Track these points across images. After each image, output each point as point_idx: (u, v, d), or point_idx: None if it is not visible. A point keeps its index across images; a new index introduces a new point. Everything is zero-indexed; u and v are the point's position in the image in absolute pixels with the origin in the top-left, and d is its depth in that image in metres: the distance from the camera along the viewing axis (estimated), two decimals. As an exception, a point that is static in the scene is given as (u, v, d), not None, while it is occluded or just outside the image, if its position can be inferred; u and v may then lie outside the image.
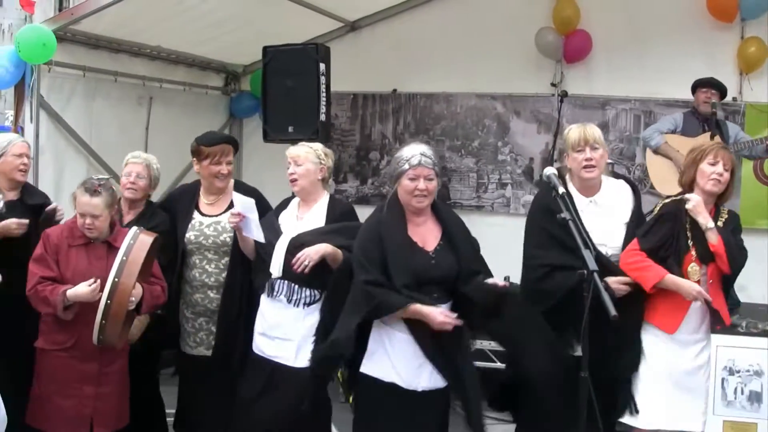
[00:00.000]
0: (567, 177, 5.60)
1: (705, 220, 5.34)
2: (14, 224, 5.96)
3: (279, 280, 5.76)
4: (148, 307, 5.69)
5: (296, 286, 5.71)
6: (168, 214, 6.36)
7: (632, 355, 5.51)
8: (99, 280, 5.34)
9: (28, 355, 5.67)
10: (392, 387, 5.15)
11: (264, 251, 5.86)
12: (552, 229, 5.41)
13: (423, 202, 5.16)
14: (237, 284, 6.13)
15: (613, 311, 4.52)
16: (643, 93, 9.28)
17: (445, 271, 5.11)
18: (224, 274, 6.16)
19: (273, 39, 8.43)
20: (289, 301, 5.72)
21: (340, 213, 5.89)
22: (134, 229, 5.54)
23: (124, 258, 5.31)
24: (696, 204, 5.34)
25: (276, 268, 5.73)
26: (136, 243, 5.40)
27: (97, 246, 5.60)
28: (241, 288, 6.14)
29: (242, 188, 6.36)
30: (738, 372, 6.62)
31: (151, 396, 6.44)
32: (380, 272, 5.08)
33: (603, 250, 5.37)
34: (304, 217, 5.90)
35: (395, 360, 5.17)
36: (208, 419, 6.26)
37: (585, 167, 5.42)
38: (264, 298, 5.88)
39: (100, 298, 5.27)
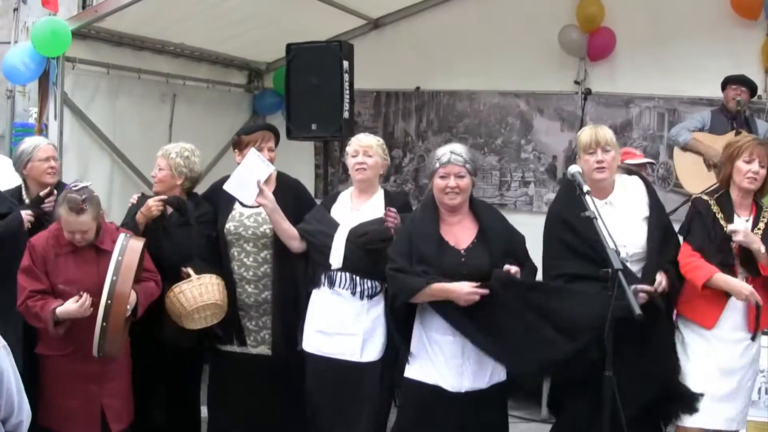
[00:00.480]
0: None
1: (758, 245, 5.29)
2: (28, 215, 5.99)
3: (339, 272, 5.75)
4: (144, 308, 5.65)
5: (358, 278, 5.72)
6: (211, 207, 6.35)
7: (672, 358, 5.51)
8: (87, 295, 5.33)
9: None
10: (436, 389, 5.21)
11: (319, 242, 5.84)
12: (568, 238, 5.43)
13: (455, 199, 5.21)
14: (286, 277, 6.14)
15: (637, 310, 4.50)
16: (667, 91, 9.20)
17: (473, 269, 5.13)
18: (263, 268, 6.16)
19: (296, 36, 8.42)
20: (353, 293, 5.72)
21: (398, 204, 5.88)
22: (121, 239, 5.50)
23: (114, 278, 5.29)
24: (743, 235, 5.28)
25: (336, 259, 5.72)
26: (125, 255, 5.38)
27: (85, 251, 5.58)
28: (289, 280, 6.14)
29: (284, 180, 6.37)
30: (762, 371, 6.57)
31: (193, 395, 6.47)
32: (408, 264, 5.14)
33: (624, 251, 5.30)
34: (361, 208, 5.88)
35: (437, 362, 5.20)
36: (244, 419, 6.27)
37: (596, 169, 5.39)
38: (319, 294, 5.85)
39: (95, 302, 5.28)
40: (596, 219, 4.81)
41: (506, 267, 5.09)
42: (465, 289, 5.00)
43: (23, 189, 6.33)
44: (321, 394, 5.84)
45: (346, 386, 5.73)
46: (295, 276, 6.09)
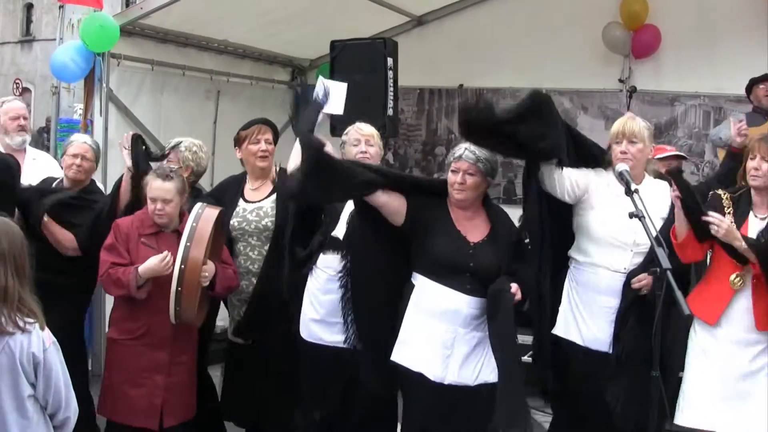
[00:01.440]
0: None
1: (739, 242, 5.13)
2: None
3: (337, 253, 5.72)
4: (222, 287, 5.70)
5: None
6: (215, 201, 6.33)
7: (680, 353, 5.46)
8: (169, 254, 5.39)
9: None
10: (419, 377, 5.18)
11: (332, 207, 5.83)
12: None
13: (461, 194, 5.23)
14: (275, 269, 6.07)
15: (687, 310, 4.45)
16: (712, 89, 9.14)
17: (479, 264, 5.14)
18: None
19: (339, 33, 8.43)
20: None
21: None
22: (197, 207, 5.55)
23: (188, 244, 5.33)
24: (725, 231, 5.13)
25: (342, 232, 5.73)
26: (199, 223, 5.41)
27: (167, 235, 5.65)
28: (278, 272, 6.08)
29: (282, 173, 6.37)
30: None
31: (206, 384, 6.49)
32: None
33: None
34: None
35: (425, 349, 5.20)
36: (254, 407, 6.30)
37: (620, 159, 5.36)
38: (315, 280, 5.79)
39: (172, 273, 5.32)
40: (644, 218, 4.77)
41: (514, 289, 5.08)
42: None
43: (65, 182, 6.38)
44: (322, 383, 5.83)
45: (351, 374, 5.66)
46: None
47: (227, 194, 6.34)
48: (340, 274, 5.61)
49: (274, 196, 6.20)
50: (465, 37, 9.98)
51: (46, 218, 6.04)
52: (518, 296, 5.05)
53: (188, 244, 5.34)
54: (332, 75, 8.17)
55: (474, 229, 5.29)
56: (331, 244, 5.72)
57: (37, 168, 6.66)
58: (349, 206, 5.66)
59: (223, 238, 5.83)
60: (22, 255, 4.00)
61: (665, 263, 4.57)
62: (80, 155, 6.29)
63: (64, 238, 6.11)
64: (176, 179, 5.63)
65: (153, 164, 6.03)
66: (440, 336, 5.19)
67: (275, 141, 6.39)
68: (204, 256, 5.40)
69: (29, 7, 42.08)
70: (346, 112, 7.93)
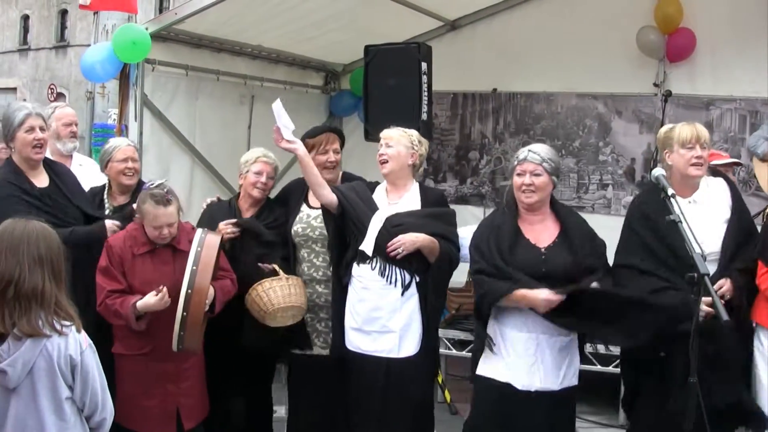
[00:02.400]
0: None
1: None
2: (114, 226, 5.98)
3: (370, 261, 5.75)
4: (221, 305, 5.68)
5: (388, 266, 5.71)
6: (284, 208, 6.37)
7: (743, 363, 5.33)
8: (165, 288, 5.36)
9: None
10: (506, 387, 5.20)
11: (354, 215, 5.84)
12: (648, 238, 5.34)
13: (530, 197, 5.23)
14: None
15: (725, 316, 4.40)
16: (748, 92, 9.03)
17: (553, 267, 5.13)
18: (332, 268, 6.11)
19: (373, 38, 8.44)
20: (381, 274, 5.71)
21: (434, 199, 5.91)
22: (199, 232, 5.55)
23: (194, 268, 5.32)
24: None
25: (368, 245, 5.73)
26: (204, 248, 5.40)
27: (162, 251, 5.63)
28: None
29: (348, 177, 6.39)
30: None
31: (264, 397, 6.51)
32: (492, 264, 5.17)
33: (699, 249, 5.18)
34: (398, 202, 5.87)
35: (509, 360, 5.20)
36: (317, 420, 6.28)
37: (694, 165, 5.28)
38: (353, 290, 5.84)
39: (171, 305, 5.32)
40: (681, 223, 4.73)
41: (593, 284, 5.07)
42: (541, 296, 4.99)
43: (106, 189, 6.39)
44: (361, 392, 5.87)
45: (386, 383, 5.73)
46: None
47: (292, 198, 6.35)
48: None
49: None
50: (498, 41, 9.94)
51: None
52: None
53: (194, 268, 5.33)
54: (366, 79, 8.19)
55: (544, 233, 5.30)
56: (361, 256, 5.76)
57: (83, 174, 6.69)
58: (379, 217, 5.72)
59: (219, 260, 5.73)
60: (60, 259, 4.04)
61: (703, 269, 4.53)
62: (129, 158, 6.31)
63: None
64: (174, 200, 5.59)
65: (144, 185, 5.96)
66: (522, 344, 5.21)
67: (342, 147, 6.40)
68: (206, 294, 5.38)
69: (64, 13, 42.45)
70: (381, 117, 7.98)
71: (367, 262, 5.76)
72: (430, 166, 10.39)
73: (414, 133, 6.00)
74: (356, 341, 5.83)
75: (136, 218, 5.67)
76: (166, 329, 5.34)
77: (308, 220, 6.19)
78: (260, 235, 6.13)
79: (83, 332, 4.02)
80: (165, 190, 5.60)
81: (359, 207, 5.84)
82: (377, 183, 6.10)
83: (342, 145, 6.43)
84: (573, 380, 5.30)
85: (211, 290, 5.47)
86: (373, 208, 5.81)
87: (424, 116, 7.85)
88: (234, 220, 6.15)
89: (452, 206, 6.28)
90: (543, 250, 5.23)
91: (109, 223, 5.94)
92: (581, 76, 9.61)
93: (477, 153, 10.24)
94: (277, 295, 5.81)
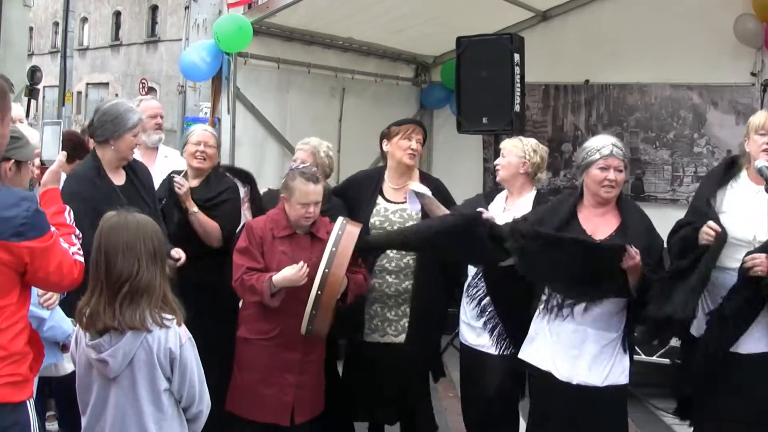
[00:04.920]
0: (743, 164, 5.29)
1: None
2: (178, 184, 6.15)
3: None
4: (354, 297, 5.72)
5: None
6: (341, 200, 6.36)
7: None
8: (305, 264, 5.40)
9: (223, 342, 5.82)
10: (547, 376, 5.15)
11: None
12: (695, 198, 5.40)
13: (611, 192, 5.13)
14: (429, 269, 6.13)
15: None
16: None
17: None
18: (405, 260, 6.16)
19: (463, 30, 8.39)
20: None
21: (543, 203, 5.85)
22: (341, 219, 5.59)
23: (334, 249, 5.37)
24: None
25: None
26: (344, 234, 5.45)
27: (301, 237, 5.66)
28: (431, 273, 6.15)
29: (425, 176, 6.41)
30: None
31: (335, 382, 6.50)
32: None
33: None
34: (511, 208, 5.86)
35: (554, 349, 5.16)
36: (373, 404, 6.31)
37: (765, 150, 5.07)
38: (472, 289, 5.89)
39: (307, 285, 5.35)
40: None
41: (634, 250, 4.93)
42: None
43: (183, 174, 6.41)
44: (465, 384, 6.01)
45: (484, 375, 5.81)
46: (439, 267, 6.13)
47: (362, 190, 6.36)
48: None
49: None
50: (590, 32, 9.81)
51: (195, 209, 6.18)
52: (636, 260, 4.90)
53: (334, 249, 5.37)
54: (458, 72, 8.15)
55: (603, 225, 5.17)
56: None
57: (170, 165, 6.76)
58: None
59: (356, 253, 5.71)
60: (165, 253, 4.11)
61: None
62: (203, 142, 6.35)
63: (213, 228, 6.22)
64: (321, 180, 5.67)
65: (291, 165, 6.03)
66: (569, 335, 5.14)
67: (424, 142, 6.41)
68: (342, 278, 5.42)
69: (154, 9, 43.12)
70: (473, 109, 7.94)
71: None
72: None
73: (529, 142, 5.99)
74: (466, 334, 5.95)
75: (282, 198, 5.71)
76: (296, 314, 5.40)
77: (386, 214, 6.22)
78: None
79: (183, 326, 4.06)
80: (313, 170, 5.70)
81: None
82: (498, 191, 6.15)
83: (424, 140, 6.43)
84: (621, 379, 5.13)
85: (345, 279, 5.51)
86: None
87: (517, 108, 7.80)
88: None
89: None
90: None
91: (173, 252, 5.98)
92: (675, 66, 9.43)
93: (570, 145, 10.12)
94: None
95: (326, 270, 5.32)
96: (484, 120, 7.92)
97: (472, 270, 5.87)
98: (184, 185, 6.21)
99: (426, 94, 10.85)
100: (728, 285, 5.09)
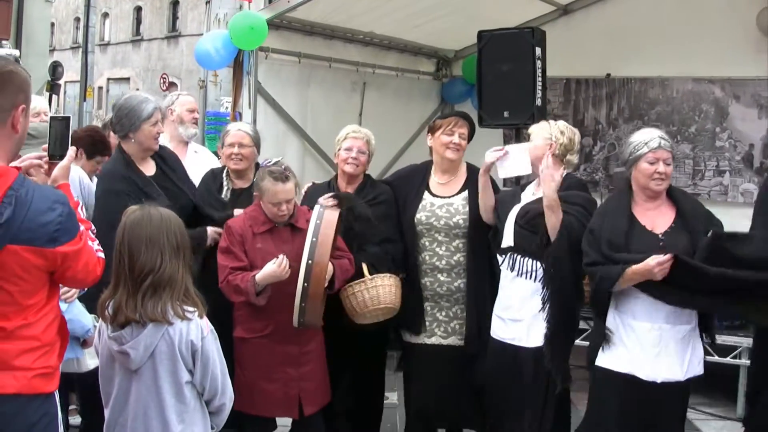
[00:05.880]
0: None
1: None
2: (216, 234, 6.08)
3: (509, 254, 5.74)
4: (340, 283, 5.71)
5: (518, 256, 5.67)
6: (389, 188, 6.36)
7: None
8: (284, 257, 5.40)
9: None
10: (630, 378, 5.13)
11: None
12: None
13: (661, 185, 5.16)
14: (480, 267, 6.10)
15: None
16: None
17: (673, 251, 4.99)
18: (456, 257, 6.12)
19: (484, 24, 8.36)
20: (519, 274, 5.67)
21: (568, 185, 5.78)
22: (317, 207, 5.59)
23: (314, 239, 5.37)
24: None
25: (507, 239, 5.74)
26: (323, 222, 5.44)
27: (281, 230, 5.67)
28: (483, 270, 6.10)
29: (474, 173, 6.27)
30: None
31: (378, 380, 6.51)
32: (600, 252, 5.12)
33: None
34: (537, 192, 5.81)
35: (633, 350, 5.12)
36: (434, 406, 6.26)
37: None
38: (501, 282, 5.86)
39: (293, 278, 5.35)
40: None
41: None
42: (652, 262, 4.88)
43: (226, 170, 6.46)
44: (495, 379, 5.86)
45: (514, 371, 5.71)
46: (490, 265, 6.03)
47: (409, 184, 6.33)
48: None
49: (465, 193, 6.16)
50: (612, 25, 9.74)
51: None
52: None
53: (314, 239, 5.38)
54: (479, 66, 8.12)
55: (660, 218, 5.20)
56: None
57: (199, 160, 6.81)
58: (513, 212, 5.75)
59: (337, 238, 5.74)
60: (189, 247, 4.13)
61: None
62: (237, 143, 6.35)
63: None
64: (291, 177, 5.63)
65: (261, 162, 6.03)
66: (645, 335, 5.14)
67: (470, 137, 6.31)
68: (327, 266, 5.43)
69: (175, 4, 43.26)
70: (495, 103, 7.91)
71: (506, 256, 5.78)
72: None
73: (557, 124, 5.93)
74: (497, 328, 5.84)
75: (255, 196, 5.74)
76: (287, 309, 5.41)
77: (432, 208, 6.17)
78: (355, 208, 6.09)
79: (205, 318, 4.08)
80: (283, 167, 5.66)
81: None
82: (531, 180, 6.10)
83: (471, 134, 6.34)
84: (698, 369, 5.20)
85: (330, 266, 5.52)
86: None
87: (539, 102, 7.77)
88: (332, 194, 6.12)
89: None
90: (660, 236, 5.13)
91: (211, 230, 6.07)
92: (697, 59, 9.35)
93: (591, 139, 10.09)
94: (359, 301, 5.83)
95: (309, 261, 5.33)
96: (506, 114, 7.87)
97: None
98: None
99: (447, 88, 10.83)
100: None
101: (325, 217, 5.49)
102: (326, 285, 5.51)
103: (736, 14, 8.99)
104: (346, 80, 9.28)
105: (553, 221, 5.44)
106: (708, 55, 9.26)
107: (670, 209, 5.23)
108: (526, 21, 9.68)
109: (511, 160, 5.83)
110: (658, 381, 5.10)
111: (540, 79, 7.78)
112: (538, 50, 7.81)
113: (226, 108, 12.15)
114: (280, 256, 5.42)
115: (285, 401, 5.64)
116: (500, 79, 7.90)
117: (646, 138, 5.15)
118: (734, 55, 9.17)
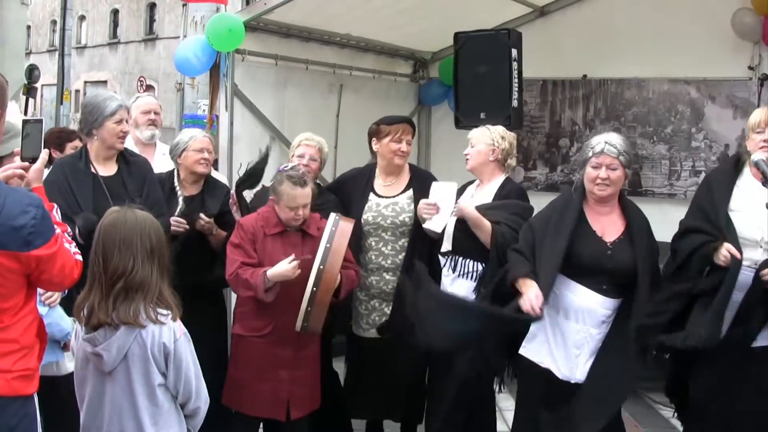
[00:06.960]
0: (745, 160, 5.24)
1: None
2: (176, 223, 6.06)
3: (451, 256, 5.88)
4: (346, 293, 5.76)
5: (460, 258, 5.82)
6: (335, 196, 6.43)
7: None
8: (295, 257, 5.42)
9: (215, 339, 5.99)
10: (547, 374, 5.20)
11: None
12: (702, 198, 5.28)
13: (604, 190, 5.17)
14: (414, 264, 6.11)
15: None
16: None
17: (618, 264, 5.09)
18: (401, 256, 6.22)
19: (461, 25, 8.39)
20: (453, 270, 5.82)
21: (507, 192, 5.91)
22: (333, 216, 5.62)
23: (328, 245, 5.41)
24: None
25: (446, 243, 5.89)
26: (338, 230, 5.49)
27: (292, 234, 5.69)
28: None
29: (417, 172, 6.48)
30: None
31: (330, 380, 6.51)
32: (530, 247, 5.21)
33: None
34: (476, 195, 5.95)
35: (555, 348, 5.20)
36: (374, 400, 6.37)
37: (762, 148, 5.07)
38: (443, 281, 5.93)
39: (300, 281, 5.37)
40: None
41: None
42: (524, 298, 5.01)
43: (176, 175, 6.42)
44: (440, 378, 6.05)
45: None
46: (432, 264, 6.08)
47: (354, 188, 6.42)
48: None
49: (410, 192, 6.28)
50: (588, 27, 9.75)
51: (215, 231, 6.24)
52: None
53: (328, 246, 5.42)
54: (456, 67, 8.15)
55: (611, 226, 5.24)
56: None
57: (167, 163, 6.76)
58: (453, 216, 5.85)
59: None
60: (166, 250, 4.12)
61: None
62: (205, 149, 6.36)
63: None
64: (309, 182, 5.67)
65: (278, 168, 6.02)
66: (572, 336, 5.19)
67: (413, 137, 6.46)
68: (338, 274, 5.47)
69: (152, 7, 43.13)
70: (471, 105, 7.93)
71: (447, 259, 5.93)
72: (520, 154, 10.27)
73: (496, 129, 6.08)
74: None
75: (271, 199, 5.74)
76: (290, 311, 5.45)
77: (378, 209, 6.29)
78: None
79: (179, 321, 4.07)
80: (301, 171, 5.70)
81: None
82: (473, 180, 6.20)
83: (412, 136, 6.48)
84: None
85: (339, 275, 5.55)
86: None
87: (515, 103, 7.81)
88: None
89: (542, 194, 6.33)
90: (609, 245, 5.17)
91: (173, 220, 6.02)
92: (673, 60, 9.38)
93: (567, 140, 10.11)
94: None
95: (321, 266, 5.36)
96: (482, 115, 7.89)
97: None
98: (210, 225, 6.22)
99: (425, 90, 10.83)
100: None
101: (340, 226, 5.54)
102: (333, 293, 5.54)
103: (711, 16, 9.01)
104: (323, 82, 9.25)
105: (483, 237, 5.61)
106: (684, 56, 9.30)
107: (620, 219, 5.27)
108: (503, 23, 9.69)
109: (441, 213, 5.89)
110: (573, 381, 5.17)
111: (516, 80, 7.84)
112: (514, 52, 7.86)
113: (204, 111, 12.09)
114: (292, 255, 5.44)
115: (273, 403, 5.66)
116: (477, 81, 7.94)
117: (593, 142, 5.22)
118: (710, 56, 9.21)
